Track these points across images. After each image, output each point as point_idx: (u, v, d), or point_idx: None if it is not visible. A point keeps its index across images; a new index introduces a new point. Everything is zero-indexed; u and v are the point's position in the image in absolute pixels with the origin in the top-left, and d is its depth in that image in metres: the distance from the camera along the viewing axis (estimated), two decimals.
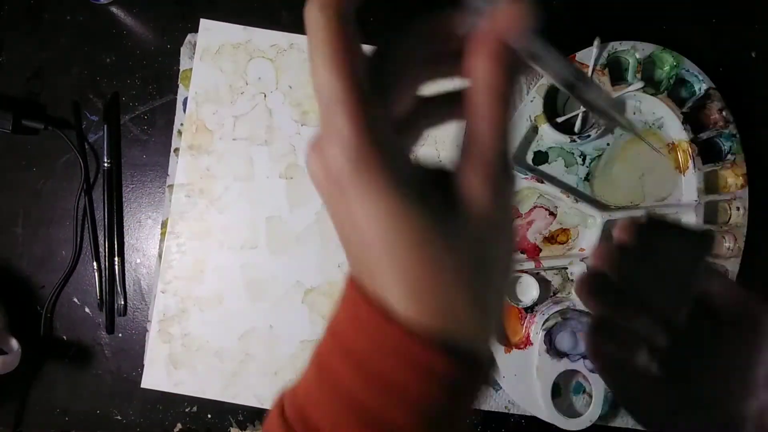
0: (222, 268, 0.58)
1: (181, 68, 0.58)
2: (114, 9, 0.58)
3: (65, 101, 0.58)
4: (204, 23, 0.58)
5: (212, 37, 0.58)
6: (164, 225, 0.58)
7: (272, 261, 0.58)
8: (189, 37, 0.58)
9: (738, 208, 0.55)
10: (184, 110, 0.58)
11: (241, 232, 0.58)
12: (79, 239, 0.58)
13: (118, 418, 0.58)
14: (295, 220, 0.58)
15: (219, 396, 0.57)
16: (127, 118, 0.58)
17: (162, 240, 0.58)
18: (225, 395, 0.57)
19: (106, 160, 0.57)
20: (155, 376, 0.58)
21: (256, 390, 0.57)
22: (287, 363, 0.57)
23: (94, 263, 0.58)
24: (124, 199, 0.59)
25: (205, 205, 0.58)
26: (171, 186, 0.58)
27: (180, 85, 0.58)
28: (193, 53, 0.58)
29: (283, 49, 0.58)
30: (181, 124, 0.58)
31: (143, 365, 0.58)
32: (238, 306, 0.58)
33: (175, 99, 0.58)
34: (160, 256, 0.58)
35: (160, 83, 0.58)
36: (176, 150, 0.58)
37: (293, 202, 0.58)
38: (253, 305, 0.58)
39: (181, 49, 0.58)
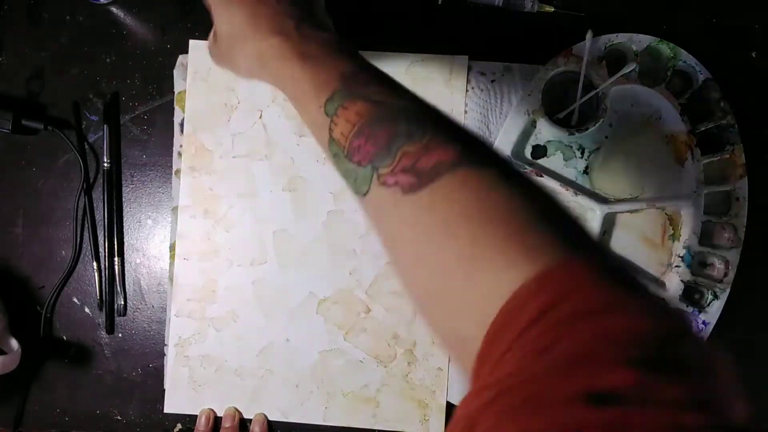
0: (233, 286, 0.57)
1: (176, 90, 0.58)
2: (114, 9, 0.58)
3: (65, 101, 0.58)
4: (193, 44, 0.57)
5: (202, 57, 0.57)
6: (172, 248, 0.58)
7: (283, 275, 0.57)
8: (180, 58, 0.58)
9: (737, 199, 0.55)
10: (182, 131, 0.58)
11: (249, 249, 0.57)
12: (78, 239, 0.58)
13: (118, 418, 0.58)
14: (301, 231, 0.57)
15: (243, 414, 0.57)
16: (127, 118, 0.59)
17: (171, 264, 0.58)
18: (249, 412, 0.57)
19: (105, 160, 0.58)
20: (177, 400, 0.57)
21: (279, 404, 0.57)
22: (307, 375, 0.57)
23: (94, 263, 0.58)
24: (123, 199, 0.59)
25: (212, 225, 0.58)
26: (175, 208, 0.58)
27: (176, 108, 0.58)
28: (186, 75, 0.58)
29: None
30: (180, 146, 0.58)
31: (144, 365, 0.58)
32: (252, 323, 0.57)
33: (173, 99, 0.58)
34: (171, 279, 0.58)
35: (160, 83, 0.58)
36: (177, 171, 0.58)
37: (298, 214, 0.57)
38: (268, 320, 0.57)
39: (174, 71, 0.58)
